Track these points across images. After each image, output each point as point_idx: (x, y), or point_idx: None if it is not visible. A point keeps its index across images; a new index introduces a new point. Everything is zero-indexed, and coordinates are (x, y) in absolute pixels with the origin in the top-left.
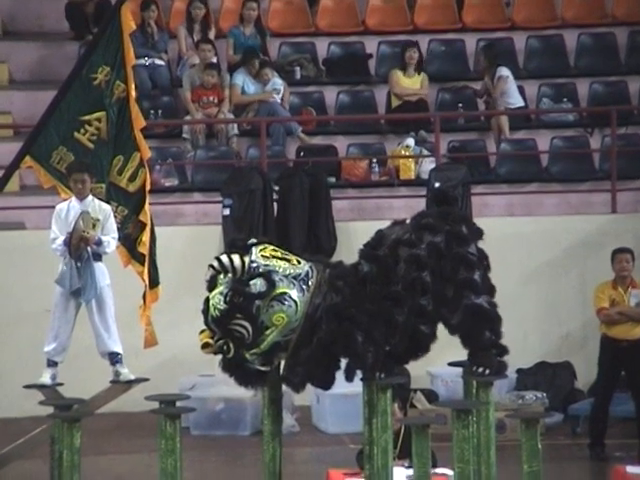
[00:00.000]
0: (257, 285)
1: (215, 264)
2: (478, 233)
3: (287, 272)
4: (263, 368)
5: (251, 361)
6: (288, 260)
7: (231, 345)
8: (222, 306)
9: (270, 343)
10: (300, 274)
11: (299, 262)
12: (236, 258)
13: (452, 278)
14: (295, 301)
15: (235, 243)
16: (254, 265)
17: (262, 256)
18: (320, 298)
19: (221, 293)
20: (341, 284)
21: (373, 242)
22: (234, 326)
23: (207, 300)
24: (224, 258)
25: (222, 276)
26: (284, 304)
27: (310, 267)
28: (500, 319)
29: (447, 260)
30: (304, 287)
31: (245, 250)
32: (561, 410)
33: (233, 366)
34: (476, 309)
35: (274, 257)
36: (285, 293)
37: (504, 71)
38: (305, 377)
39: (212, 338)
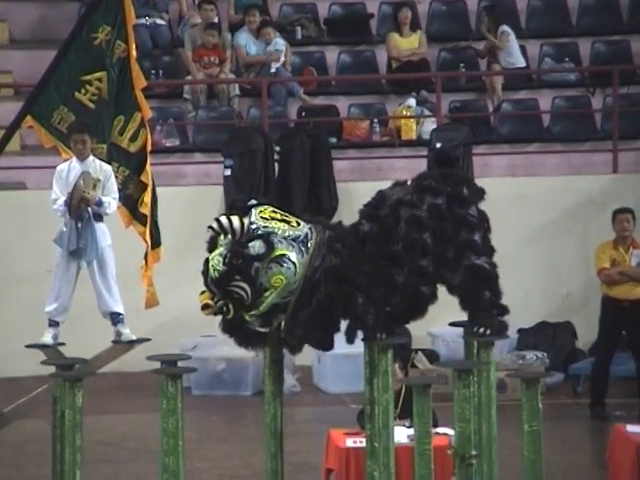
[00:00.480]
0: (256, 247)
1: (214, 225)
2: (479, 194)
3: (286, 234)
4: (262, 329)
5: (250, 322)
6: (288, 222)
7: (230, 306)
8: (221, 267)
9: (269, 305)
10: (299, 236)
11: (298, 224)
12: (235, 220)
13: (453, 239)
14: (294, 263)
15: (235, 204)
16: (253, 227)
17: (261, 218)
18: (319, 260)
19: (220, 254)
20: (340, 246)
21: (374, 202)
22: (233, 287)
23: (207, 261)
24: (223, 219)
25: (222, 237)
26: (283, 266)
27: (309, 229)
28: (498, 279)
29: (448, 221)
30: (303, 249)
31: (245, 212)
32: (562, 370)
33: (233, 327)
34: (476, 269)
35: (273, 219)
36: (284, 255)
37: (506, 28)
38: (303, 339)
39: (212, 299)
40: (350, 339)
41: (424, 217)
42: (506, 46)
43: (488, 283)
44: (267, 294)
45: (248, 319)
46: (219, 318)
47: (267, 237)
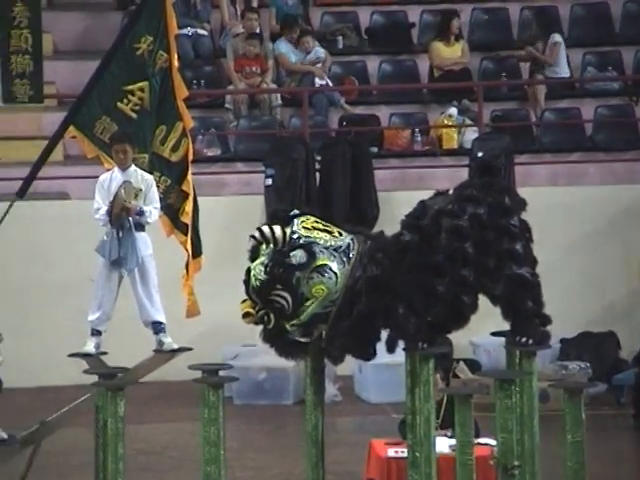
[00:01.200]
0: (297, 256)
1: (256, 235)
2: (521, 204)
3: (328, 244)
4: (303, 339)
5: (291, 332)
6: (329, 232)
7: (272, 316)
8: (263, 277)
9: (310, 314)
10: (341, 246)
11: (340, 234)
12: (277, 229)
13: (494, 249)
14: (335, 273)
15: (277, 214)
16: (295, 236)
17: (303, 227)
18: (360, 270)
19: (262, 263)
20: (381, 256)
21: (415, 212)
22: (274, 297)
23: (249, 270)
24: (265, 229)
25: (264, 247)
26: (324, 276)
27: (351, 239)
28: (540, 288)
29: (489, 231)
30: (345, 259)
31: (287, 221)
32: (605, 380)
33: (273, 337)
34: (518, 279)
35: (315, 229)
36: (325, 265)
37: (558, 37)
38: (344, 349)
39: (253, 308)
40: (391, 348)
41: (465, 227)
42: (557, 57)
43: (530, 293)
44: (308, 304)
45: (289, 329)
46: (260, 327)
47: (309, 247)
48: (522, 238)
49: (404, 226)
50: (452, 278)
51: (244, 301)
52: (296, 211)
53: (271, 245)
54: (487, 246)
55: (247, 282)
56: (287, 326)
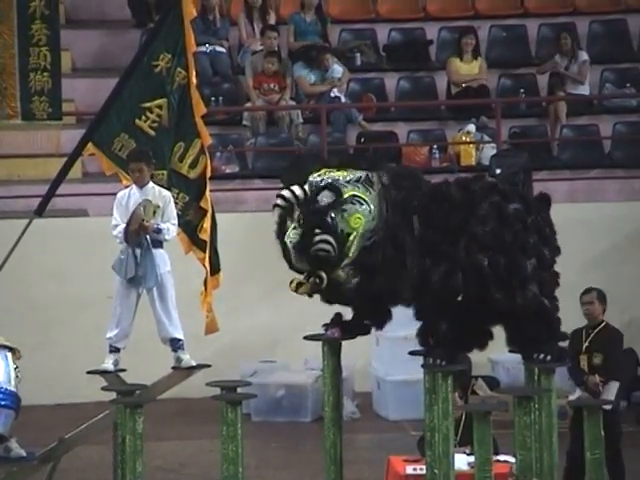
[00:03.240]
0: (324, 197)
1: (280, 202)
2: (555, 247)
3: (348, 178)
4: (356, 281)
5: (346, 279)
6: (344, 169)
7: (322, 274)
8: (299, 231)
9: (357, 248)
10: (360, 177)
11: (355, 170)
12: (295, 188)
13: (529, 252)
14: (365, 200)
15: (290, 172)
16: (315, 181)
17: (319, 175)
18: (387, 195)
19: (294, 228)
20: (403, 182)
21: (472, 176)
22: (317, 245)
23: (284, 244)
24: (285, 192)
25: (289, 222)
26: (355, 204)
27: (367, 172)
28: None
29: (528, 232)
30: (368, 187)
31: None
32: (625, 397)
33: (332, 293)
34: (539, 302)
35: (330, 171)
36: (354, 195)
37: (586, 56)
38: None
39: (302, 281)
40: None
41: (512, 214)
42: (585, 76)
43: (546, 320)
44: (351, 238)
45: (342, 276)
46: (278, 344)
47: (332, 185)
48: (550, 268)
49: (456, 180)
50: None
51: (292, 281)
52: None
53: (296, 207)
54: (524, 243)
55: (285, 253)
56: (341, 274)
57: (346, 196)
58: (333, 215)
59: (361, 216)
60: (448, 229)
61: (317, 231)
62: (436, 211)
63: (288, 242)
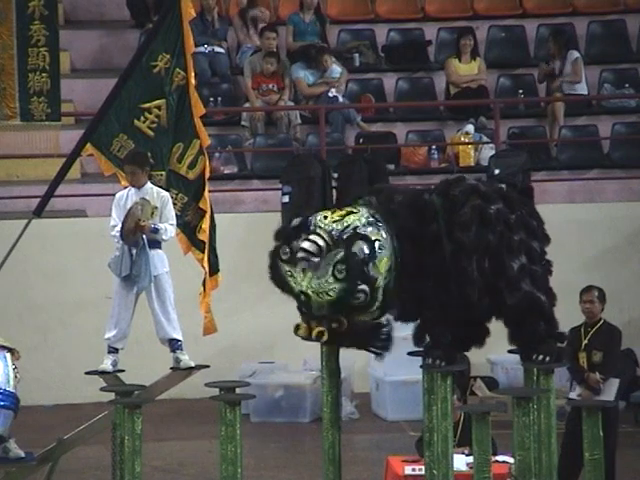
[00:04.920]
0: (361, 248)
1: (302, 255)
2: (547, 238)
3: (363, 221)
4: (378, 319)
5: (368, 320)
6: (352, 212)
7: (342, 319)
8: (338, 286)
9: (382, 290)
10: (368, 217)
11: (358, 209)
12: (317, 239)
13: (516, 250)
14: (381, 241)
15: (287, 229)
16: (332, 229)
17: (333, 222)
18: (390, 228)
19: (314, 281)
20: (395, 207)
21: (451, 181)
22: (356, 295)
23: (299, 294)
24: (306, 244)
25: (294, 269)
26: (381, 250)
27: (365, 209)
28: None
29: (513, 232)
30: (379, 225)
31: (305, 228)
32: (623, 398)
33: (351, 335)
34: (533, 301)
35: (343, 217)
36: (376, 239)
37: (576, 54)
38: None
39: (310, 328)
40: (418, 342)
41: (492, 215)
42: (580, 74)
43: (542, 315)
44: (379, 281)
45: (367, 318)
46: (277, 344)
47: (361, 235)
48: (541, 260)
49: (436, 187)
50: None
51: (298, 327)
52: (297, 219)
53: (313, 259)
54: (510, 243)
55: (307, 303)
56: (365, 317)
57: (376, 244)
58: (370, 265)
59: (386, 258)
60: (433, 240)
61: (358, 282)
62: (419, 229)
63: (311, 294)
